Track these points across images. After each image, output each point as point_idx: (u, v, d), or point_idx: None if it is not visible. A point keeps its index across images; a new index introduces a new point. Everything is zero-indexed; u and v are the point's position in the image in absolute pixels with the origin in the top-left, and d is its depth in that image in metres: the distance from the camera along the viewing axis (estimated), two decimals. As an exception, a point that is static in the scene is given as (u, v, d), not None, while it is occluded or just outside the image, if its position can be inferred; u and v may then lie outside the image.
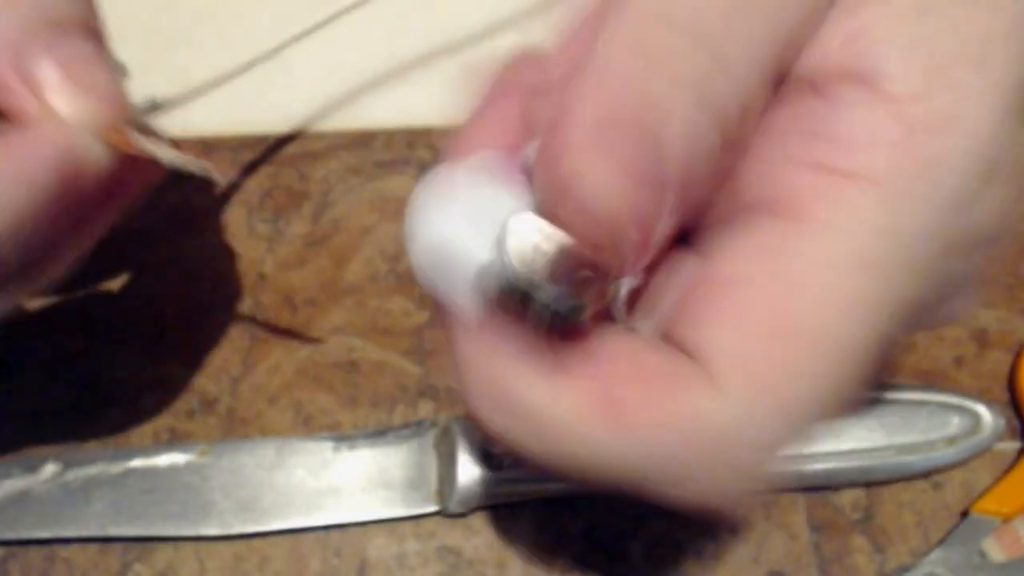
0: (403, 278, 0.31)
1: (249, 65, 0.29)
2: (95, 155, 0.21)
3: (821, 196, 0.15)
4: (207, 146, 0.33)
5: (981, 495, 0.26)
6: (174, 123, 0.25)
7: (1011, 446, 0.28)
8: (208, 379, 0.29)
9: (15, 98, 0.21)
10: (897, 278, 0.16)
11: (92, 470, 0.27)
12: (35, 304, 0.31)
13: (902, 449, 0.26)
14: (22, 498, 0.27)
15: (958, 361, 0.29)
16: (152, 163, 0.22)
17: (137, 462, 0.27)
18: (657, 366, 0.16)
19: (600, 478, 0.16)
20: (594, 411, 0.15)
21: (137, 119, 0.23)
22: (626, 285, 0.16)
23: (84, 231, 0.24)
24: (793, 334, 0.15)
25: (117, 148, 0.22)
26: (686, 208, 0.16)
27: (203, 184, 0.28)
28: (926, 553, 0.26)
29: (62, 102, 0.21)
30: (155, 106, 0.24)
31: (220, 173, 0.24)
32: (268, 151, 0.33)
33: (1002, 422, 0.27)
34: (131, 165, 0.22)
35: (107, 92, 0.22)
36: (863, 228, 0.15)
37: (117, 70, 0.23)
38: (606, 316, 0.17)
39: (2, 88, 0.21)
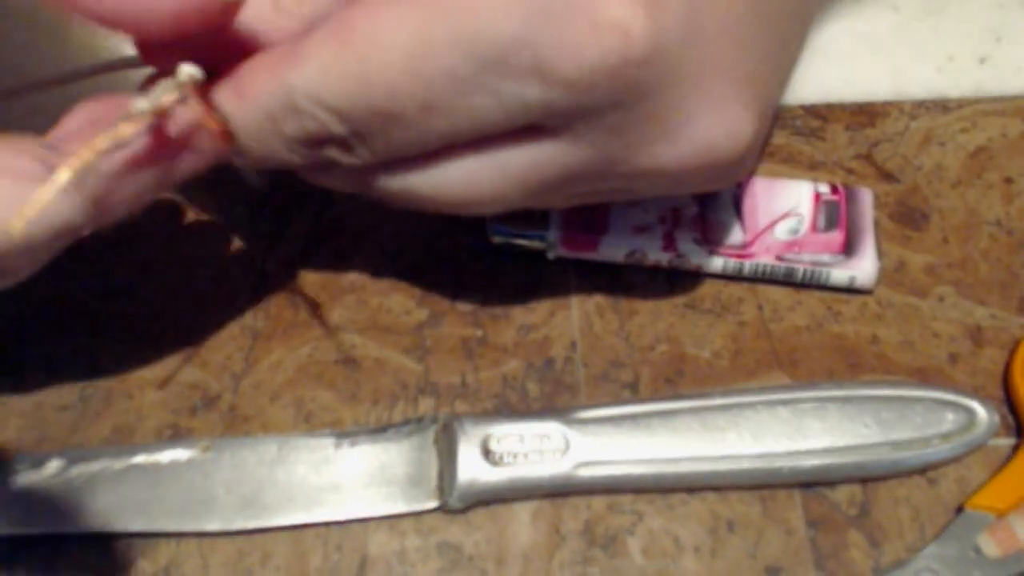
0: (404, 276, 0.32)
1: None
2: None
3: None
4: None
5: (976, 491, 0.27)
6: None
7: (1005, 442, 0.28)
8: (210, 376, 0.30)
9: None
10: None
11: (96, 466, 0.27)
12: (38, 301, 0.31)
13: (897, 445, 0.27)
14: (27, 494, 0.27)
15: (953, 358, 0.29)
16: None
17: (140, 458, 0.28)
18: (269, 56, 0.23)
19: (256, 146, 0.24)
20: (230, 92, 0.23)
21: None
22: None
23: (160, 175, 0.24)
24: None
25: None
26: None
27: (203, 183, 0.29)
28: (921, 548, 0.26)
29: None
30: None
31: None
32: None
33: (996, 418, 0.27)
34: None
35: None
36: None
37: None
38: None
39: None
